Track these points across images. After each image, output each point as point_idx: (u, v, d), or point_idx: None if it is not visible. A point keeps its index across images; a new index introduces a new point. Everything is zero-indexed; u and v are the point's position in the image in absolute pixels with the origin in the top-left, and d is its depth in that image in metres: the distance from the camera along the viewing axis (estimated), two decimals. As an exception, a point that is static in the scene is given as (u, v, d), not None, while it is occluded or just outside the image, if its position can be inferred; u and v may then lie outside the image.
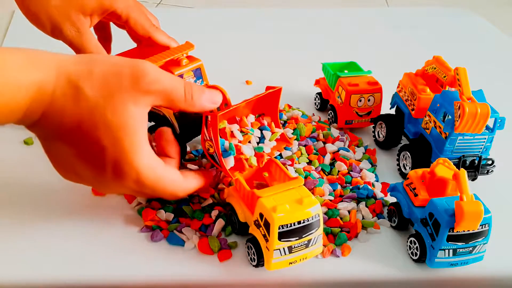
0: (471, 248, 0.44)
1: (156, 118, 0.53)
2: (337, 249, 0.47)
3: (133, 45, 0.60)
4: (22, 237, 0.47)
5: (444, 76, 0.57)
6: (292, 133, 0.60)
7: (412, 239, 0.46)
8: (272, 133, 0.50)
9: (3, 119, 0.36)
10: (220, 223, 0.48)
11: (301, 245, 0.42)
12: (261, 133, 0.50)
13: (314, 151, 0.59)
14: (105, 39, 0.62)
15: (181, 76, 0.53)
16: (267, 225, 0.41)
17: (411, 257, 0.47)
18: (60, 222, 0.48)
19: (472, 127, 0.50)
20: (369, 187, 0.54)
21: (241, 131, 0.49)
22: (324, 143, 0.60)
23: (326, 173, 0.56)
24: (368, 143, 0.63)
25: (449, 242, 0.43)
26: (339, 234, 0.48)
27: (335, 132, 0.62)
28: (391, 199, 0.53)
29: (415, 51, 0.89)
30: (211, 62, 0.59)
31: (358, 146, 0.61)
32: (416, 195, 0.47)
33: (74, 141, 0.38)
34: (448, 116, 0.52)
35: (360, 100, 0.61)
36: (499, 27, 1.02)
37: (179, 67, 0.53)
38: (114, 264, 0.45)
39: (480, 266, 0.46)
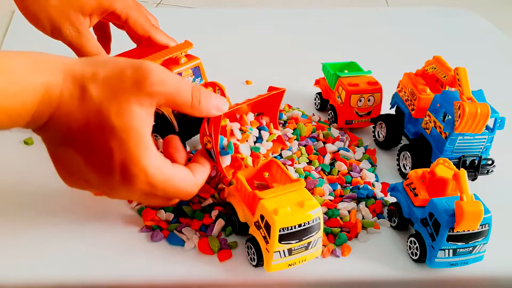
0: (471, 248, 0.44)
1: (155, 116, 0.53)
2: (337, 249, 0.47)
3: (133, 45, 0.60)
4: (22, 237, 0.47)
5: (444, 76, 0.57)
6: (292, 133, 0.60)
7: (412, 239, 0.46)
8: (270, 134, 0.50)
9: (11, 122, 0.36)
10: (220, 223, 0.48)
11: (301, 248, 0.42)
12: (259, 133, 0.50)
13: (314, 151, 0.59)
14: (105, 39, 0.62)
15: (179, 74, 0.53)
16: (267, 227, 0.41)
17: (411, 257, 0.47)
18: (60, 222, 0.48)
19: (472, 127, 0.50)
20: (369, 187, 0.54)
21: (241, 130, 0.49)
22: (324, 143, 0.60)
23: (326, 173, 0.56)
24: (368, 143, 0.63)
25: (449, 242, 0.43)
26: (339, 234, 0.48)
27: (335, 132, 0.62)
28: (391, 199, 0.53)
29: (415, 51, 0.89)
30: (211, 62, 0.59)
31: (358, 146, 0.61)
32: (416, 195, 0.47)
33: (81, 144, 0.38)
34: (448, 116, 0.52)
35: (360, 100, 0.61)
36: (499, 27, 1.02)
37: (178, 65, 0.53)
38: (114, 264, 0.45)
39: (480, 266, 0.46)
